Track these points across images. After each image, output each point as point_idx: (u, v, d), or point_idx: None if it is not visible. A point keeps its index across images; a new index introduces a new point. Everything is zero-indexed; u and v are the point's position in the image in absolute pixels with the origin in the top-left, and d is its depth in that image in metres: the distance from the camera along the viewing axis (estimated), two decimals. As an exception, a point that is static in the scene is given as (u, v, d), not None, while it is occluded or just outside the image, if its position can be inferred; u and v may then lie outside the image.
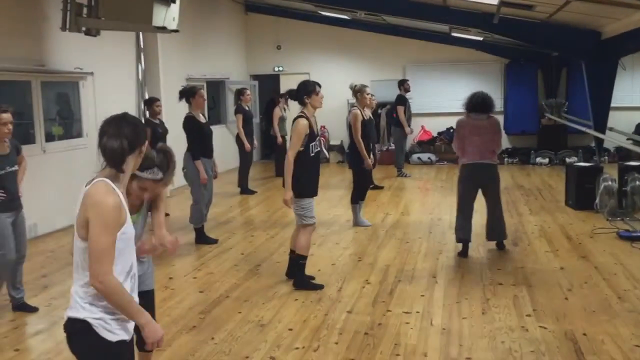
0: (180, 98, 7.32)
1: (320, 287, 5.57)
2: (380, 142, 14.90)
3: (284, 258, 6.33)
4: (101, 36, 8.22)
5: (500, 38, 11.41)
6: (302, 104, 5.52)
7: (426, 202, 9.86)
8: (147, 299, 3.51)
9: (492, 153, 6.47)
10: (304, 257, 5.61)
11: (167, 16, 7.71)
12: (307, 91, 5.50)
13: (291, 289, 5.55)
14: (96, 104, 9.21)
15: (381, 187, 10.88)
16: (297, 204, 5.50)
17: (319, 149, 5.63)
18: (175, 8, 7.95)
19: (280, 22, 15.30)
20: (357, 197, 8.09)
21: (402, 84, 12.49)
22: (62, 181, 8.36)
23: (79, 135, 8.97)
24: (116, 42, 9.61)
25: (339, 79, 15.08)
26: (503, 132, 13.95)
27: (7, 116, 4.85)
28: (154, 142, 9.00)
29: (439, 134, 14.93)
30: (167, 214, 8.87)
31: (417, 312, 4.92)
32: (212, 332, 4.60)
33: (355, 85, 8.30)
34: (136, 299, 2.50)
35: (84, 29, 7.77)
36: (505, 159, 14.09)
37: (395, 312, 4.92)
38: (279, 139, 12.33)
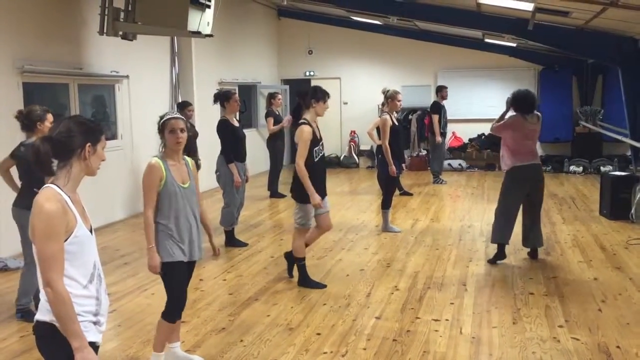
0: (215, 101, 7.39)
1: (323, 286, 5.72)
2: (410, 148, 14.88)
3: (312, 262, 6.35)
4: (137, 40, 8.39)
5: (534, 44, 11.28)
6: (307, 107, 5.55)
7: (456, 208, 9.78)
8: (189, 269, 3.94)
9: (538, 154, 6.55)
10: (302, 259, 5.79)
11: (202, 21, 7.83)
12: (316, 97, 5.53)
13: (320, 294, 5.56)
14: (131, 107, 9.39)
15: (410, 194, 10.82)
16: (298, 209, 5.59)
17: (322, 153, 5.66)
18: (209, 13, 8.06)
19: (312, 27, 15.38)
20: (388, 203, 8.07)
21: (440, 91, 12.32)
22: (95, 182, 8.51)
23: (114, 137, 9.14)
24: (151, 47, 9.77)
25: (369, 84, 15.11)
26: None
27: (51, 116, 5.03)
28: (185, 146, 9.07)
29: (470, 140, 14.81)
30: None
31: (447, 319, 4.88)
32: (241, 334, 4.64)
33: (388, 90, 8.28)
34: (105, 299, 2.52)
35: (120, 33, 7.95)
36: (538, 167, 13.88)
37: (424, 319, 4.89)
38: None
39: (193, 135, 8.94)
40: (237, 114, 7.72)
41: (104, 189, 8.66)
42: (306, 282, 5.80)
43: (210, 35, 8.22)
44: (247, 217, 8.92)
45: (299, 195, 5.56)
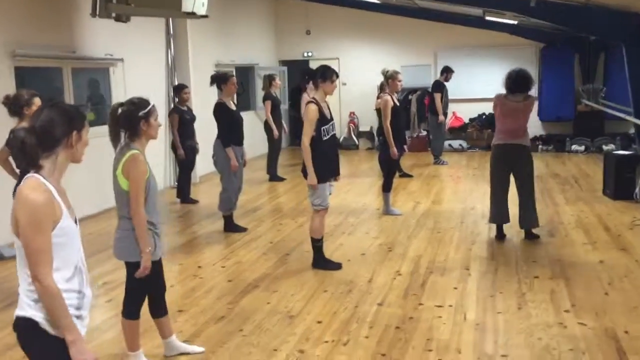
0: (212, 83, 7.24)
1: (338, 266, 5.73)
2: (410, 128, 14.71)
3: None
4: (131, 22, 8.21)
5: (535, 22, 11.06)
6: (315, 87, 5.59)
7: (458, 190, 9.67)
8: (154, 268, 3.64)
9: (524, 134, 6.33)
10: (318, 240, 5.74)
11: (197, 1, 7.64)
12: (323, 76, 5.49)
13: (320, 280, 5.47)
14: (126, 90, 9.19)
15: (410, 176, 10.69)
16: (311, 190, 5.55)
17: (333, 132, 5.58)
18: (204, -7, 7.86)
19: (310, 6, 15.10)
20: (389, 185, 7.95)
21: (446, 72, 12.15)
22: (91, 168, 8.36)
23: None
24: (146, 29, 9.58)
25: (368, 65, 14.89)
26: (537, 118, 13.85)
27: (38, 100, 4.87)
28: (182, 129, 9.01)
29: (471, 120, 14.65)
30: (196, 201, 8.91)
31: (450, 305, 4.78)
32: (241, 323, 4.54)
33: (387, 71, 8.12)
34: (88, 292, 2.42)
35: (113, 15, 7.76)
36: (540, 146, 13.75)
37: (427, 306, 4.79)
38: None
39: (190, 119, 8.90)
40: (235, 96, 7.59)
41: (98, 174, 8.49)
42: (322, 263, 5.76)
43: (205, 16, 8.03)
44: (246, 202, 8.80)
45: (309, 174, 5.50)
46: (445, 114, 12.33)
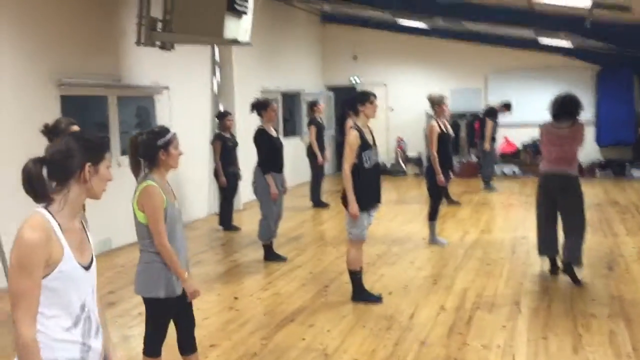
0: (252, 110, 7.15)
1: (378, 299, 5.49)
2: (460, 153, 14.35)
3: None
4: (177, 50, 8.25)
5: (591, 43, 10.64)
6: (356, 113, 5.40)
7: (509, 218, 9.25)
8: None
9: (570, 163, 5.86)
10: (357, 272, 5.51)
11: (239, 28, 7.62)
12: (362, 100, 5.31)
13: (359, 314, 5.20)
14: (171, 118, 9.23)
15: (458, 203, 10.33)
16: (349, 218, 5.33)
17: (376, 159, 5.40)
18: (247, 20, 7.84)
19: (357, 31, 15.05)
20: (435, 213, 7.64)
21: (507, 107, 11.92)
22: (129, 197, 8.41)
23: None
24: (192, 56, 9.63)
25: (416, 90, 14.65)
26: (594, 143, 13.25)
27: (76, 128, 4.80)
28: (224, 156, 8.93)
29: (524, 145, 14.15)
30: (238, 228, 8.79)
31: (498, 346, 4.44)
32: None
33: (434, 96, 7.87)
34: (96, 345, 2.18)
35: (158, 43, 7.81)
36: (598, 172, 13.16)
37: (473, 346, 4.46)
38: None
39: (233, 146, 8.84)
40: (278, 122, 7.49)
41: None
42: (362, 295, 5.52)
43: (248, 43, 8.00)
44: (288, 229, 8.64)
45: (347, 202, 5.29)
46: (494, 139, 11.96)
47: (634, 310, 5.06)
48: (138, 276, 3.46)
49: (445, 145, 7.53)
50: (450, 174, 7.77)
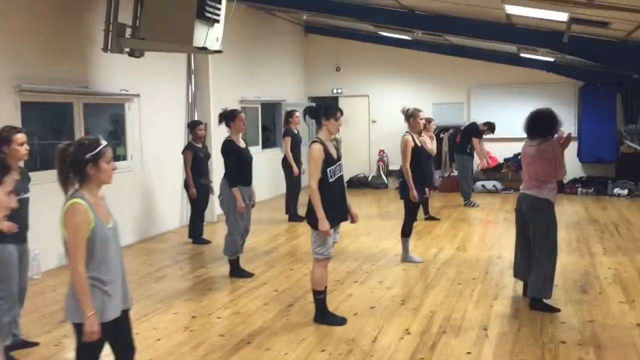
0: (220, 121, 6.94)
1: (342, 321, 5.25)
2: (442, 168, 14.19)
3: (319, 298, 5.76)
4: (150, 57, 8.03)
5: (573, 59, 10.53)
6: (319, 125, 5.16)
7: (487, 235, 9.06)
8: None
9: (539, 183, 5.45)
10: (321, 292, 5.27)
11: (209, 36, 7.40)
12: (326, 113, 5.11)
13: (320, 337, 4.97)
14: (141, 127, 9.02)
15: (437, 219, 10.14)
16: (315, 236, 5.11)
17: (340, 174, 5.18)
18: (219, 28, 7.64)
19: (340, 43, 14.89)
20: (408, 230, 7.43)
21: (490, 128, 11.78)
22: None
23: (123, 158, 8.77)
24: (166, 63, 9.41)
25: (399, 102, 14.34)
26: (576, 159, 13.13)
27: (22, 136, 4.52)
28: (195, 167, 8.70)
29: (506, 160, 14.01)
30: (208, 242, 8.53)
31: (460, 374, 4.22)
32: (222, 387, 4.07)
33: (408, 109, 7.68)
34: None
35: (126, 50, 7.58)
36: (579, 189, 13.03)
37: (434, 373, 4.24)
38: None
39: (204, 157, 8.60)
40: (245, 133, 7.27)
41: (114, 211, 8.26)
42: (325, 317, 5.26)
43: (219, 51, 7.78)
44: (261, 243, 8.41)
45: (315, 220, 5.03)
46: (471, 155, 11.85)
47: (605, 336, 4.86)
48: (67, 300, 3.20)
49: (420, 160, 7.34)
50: (427, 190, 7.57)
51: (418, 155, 7.34)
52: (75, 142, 3.21)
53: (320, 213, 4.98)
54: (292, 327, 5.22)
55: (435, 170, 14.44)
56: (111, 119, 9.24)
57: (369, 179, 14.96)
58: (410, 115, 7.55)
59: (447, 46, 13.49)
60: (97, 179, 3.15)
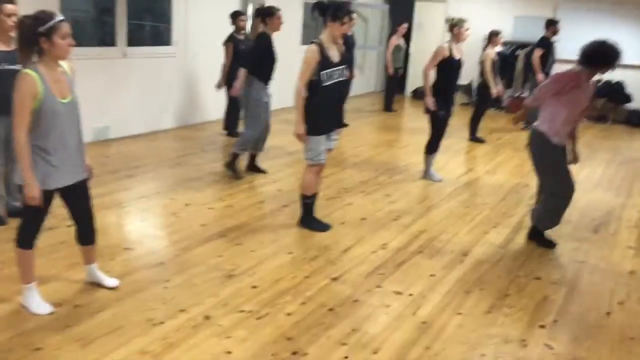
0: (257, 16, 6.78)
1: (324, 227, 5.24)
2: (513, 87, 13.39)
3: (318, 202, 5.72)
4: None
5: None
6: (324, 24, 4.89)
7: (525, 162, 8.56)
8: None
9: (542, 115, 4.98)
10: (308, 197, 5.25)
11: None
12: (334, 15, 4.81)
13: (294, 240, 5.00)
14: (187, 11, 8.96)
15: (482, 141, 9.67)
16: (305, 141, 5.02)
17: (339, 79, 4.93)
18: None
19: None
20: (433, 146, 7.15)
21: (552, 25, 10.69)
22: (141, 88, 8.34)
23: (167, 43, 8.84)
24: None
25: (478, 11, 13.61)
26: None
27: (12, 7, 4.59)
28: (235, 58, 8.61)
29: (584, 85, 12.97)
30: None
31: (410, 294, 4.14)
32: (174, 273, 4.22)
33: (453, 19, 7.19)
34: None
35: None
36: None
37: (384, 290, 4.19)
38: (390, 70, 11.72)
39: (245, 49, 8.48)
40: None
41: (148, 95, 8.47)
42: (308, 222, 5.28)
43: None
44: (287, 143, 8.39)
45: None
46: (548, 74, 10.96)
47: (587, 278, 4.59)
48: (17, 164, 3.37)
49: (450, 73, 6.92)
50: (452, 109, 7.16)
51: (451, 67, 6.92)
52: (32, 14, 3.25)
53: (299, 116, 4.88)
54: (274, 227, 5.27)
55: (506, 89, 13.72)
56: (157, 2, 9.16)
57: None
58: (455, 25, 7.09)
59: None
60: (51, 54, 3.24)
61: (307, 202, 5.29)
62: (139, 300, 3.79)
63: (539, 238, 5.26)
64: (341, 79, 5.04)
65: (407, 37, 13.25)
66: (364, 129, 10.10)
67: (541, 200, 5.21)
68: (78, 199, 3.63)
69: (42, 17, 3.21)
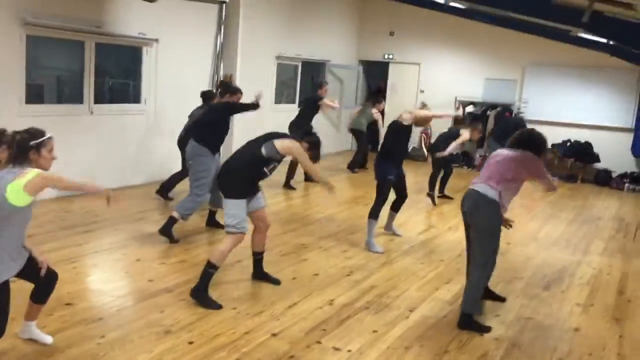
0: (217, 89, 7.08)
1: (217, 306, 4.65)
2: (484, 147, 13.62)
3: (271, 258, 5.76)
4: (175, 3, 8.03)
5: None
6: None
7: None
8: None
9: (496, 183, 4.68)
10: (214, 267, 4.74)
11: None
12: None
13: (242, 294, 4.98)
14: (157, 73, 9.14)
15: (451, 198, 9.76)
16: (226, 206, 4.87)
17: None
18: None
19: (396, 7, 14.40)
20: (375, 212, 6.68)
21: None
22: (108, 144, 8.41)
23: (136, 101, 8.99)
24: (192, 11, 9.44)
25: (449, 74, 14.03)
26: (629, 153, 12.22)
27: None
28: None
29: (553, 145, 13.22)
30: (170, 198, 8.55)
31: (349, 350, 4.11)
32: (111, 328, 4.17)
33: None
34: None
35: (144, -8, 7.67)
36: (627, 185, 12.18)
37: (323, 346, 4.15)
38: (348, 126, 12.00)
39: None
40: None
41: (115, 151, 8.53)
42: (200, 295, 4.69)
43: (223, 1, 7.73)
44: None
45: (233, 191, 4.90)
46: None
47: (530, 335, 4.58)
48: None
49: (401, 140, 6.93)
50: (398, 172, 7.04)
51: (398, 133, 6.91)
52: (24, 130, 3.51)
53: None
54: (223, 282, 5.22)
55: (478, 148, 13.96)
56: (118, 61, 9.27)
57: (409, 149, 14.57)
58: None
59: (507, 18, 12.68)
60: (37, 165, 3.47)
61: (212, 272, 4.76)
62: (69, 357, 3.74)
63: (468, 323, 4.59)
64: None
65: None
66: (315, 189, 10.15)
67: (467, 280, 4.86)
68: (31, 270, 3.69)
69: (35, 133, 3.51)
